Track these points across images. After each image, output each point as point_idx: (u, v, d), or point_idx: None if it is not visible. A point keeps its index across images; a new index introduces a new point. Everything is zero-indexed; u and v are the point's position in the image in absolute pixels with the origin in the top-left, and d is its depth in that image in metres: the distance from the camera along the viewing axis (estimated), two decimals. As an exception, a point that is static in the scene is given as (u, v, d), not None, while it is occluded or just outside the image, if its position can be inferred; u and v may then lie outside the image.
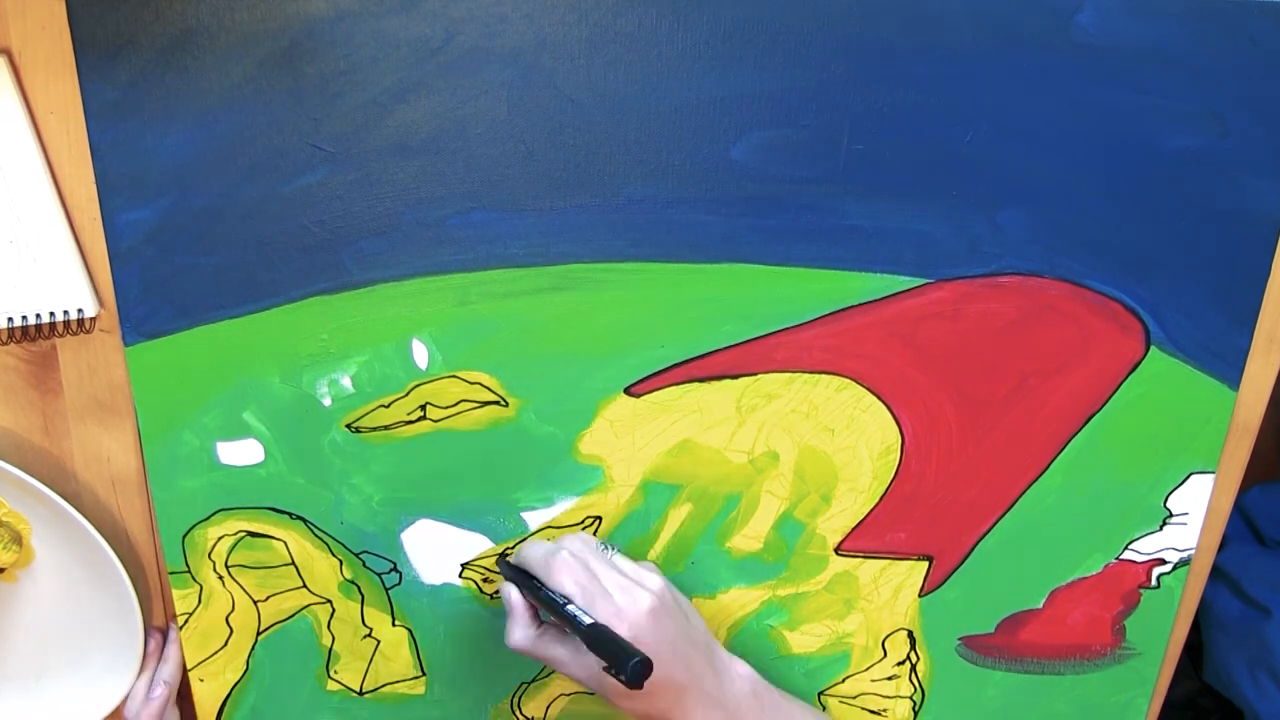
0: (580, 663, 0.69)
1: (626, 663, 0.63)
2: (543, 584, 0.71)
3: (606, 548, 0.74)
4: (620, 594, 0.69)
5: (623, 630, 0.67)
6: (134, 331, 0.71)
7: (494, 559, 0.80)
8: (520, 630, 0.72)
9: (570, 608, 0.68)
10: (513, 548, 0.79)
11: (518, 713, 0.86)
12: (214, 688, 0.82)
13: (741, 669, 0.73)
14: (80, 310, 0.69)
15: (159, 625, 0.81)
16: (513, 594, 0.73)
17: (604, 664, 0.65)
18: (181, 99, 0.65)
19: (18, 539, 0.73)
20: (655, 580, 0.71)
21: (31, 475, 0.70)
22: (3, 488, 0.71)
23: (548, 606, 0.70)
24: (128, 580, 0.74)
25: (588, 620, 0.66)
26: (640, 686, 0.63)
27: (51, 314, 0.68)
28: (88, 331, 0.71)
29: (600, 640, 0.65)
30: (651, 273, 0.72)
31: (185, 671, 0.80)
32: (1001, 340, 0.75)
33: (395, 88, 0.66)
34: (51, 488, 0.71)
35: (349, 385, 0.74)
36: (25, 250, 0.67)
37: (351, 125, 0.67)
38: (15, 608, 0.76)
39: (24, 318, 0.68)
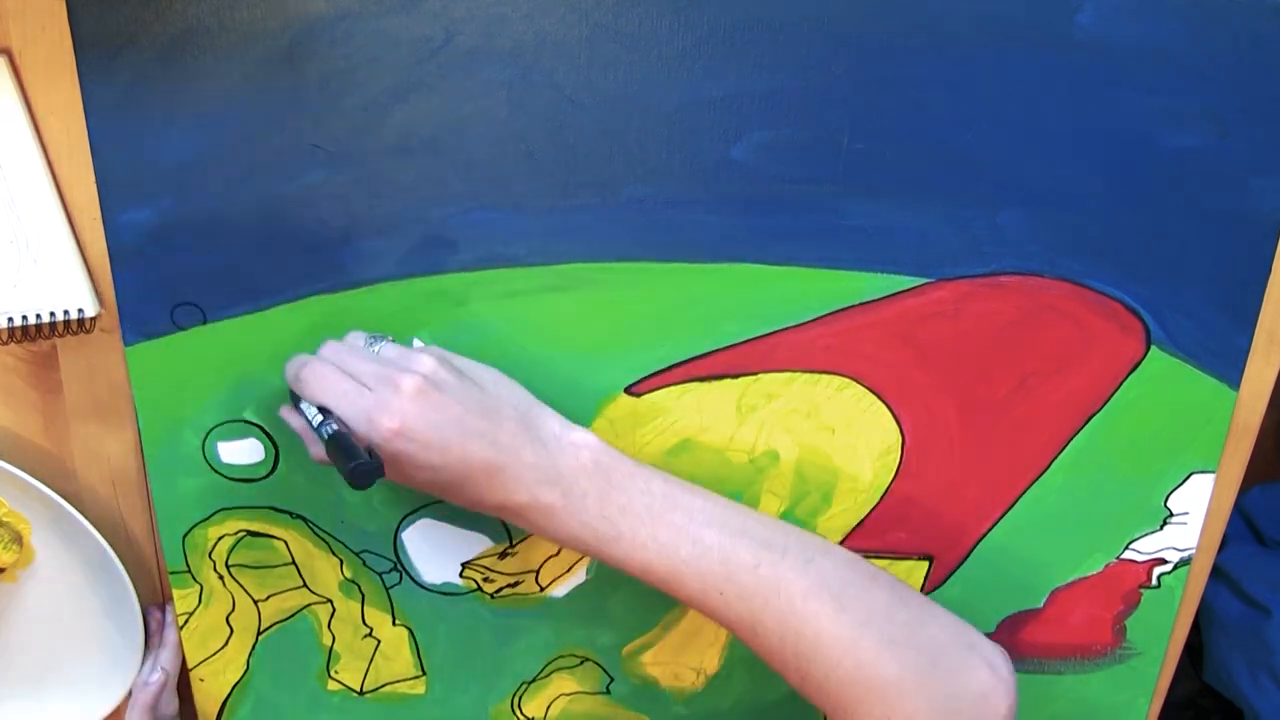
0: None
1: (349, 461, 0.59)
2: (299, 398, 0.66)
3: (374, 340, 0.67)
4: (380, 385, 0.62)
5: (386, 419, 0.61)
6: (134, 331, 0.71)
7: (495, 557, 0.80)
8: (314, 448, 0.67)
9: (318, 419, 0.63)
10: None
11: (518, 712, 0.86)
12: (214, 687, 0.82)
13: (580, 438, 0.65)
14: (80, 310, 0.69)
15: (156, 603, 0.80)
16: (290, 417, 0.68)
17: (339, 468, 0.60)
18: (182, 98, 0.65)
19: (18, 539, 0.73)
20: (425, 360, 0.64)
21: (31, 475, 0.70)
22: (3, 488, 0.71)
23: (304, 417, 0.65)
24: (128, 580, 0.74)
25: (330, 430, 0.61)
26: (364, 487, 0.59)
27: (51, 314, 0.68)
28: (88, 331, 0.71)
29: (335, 449, 0.60)
30: (651, 272, 0.72)
31: (186, 669, 0.81)
32: (1002, 340, 0.75)
33: (395, 87, 0.66)
34: (51, 488, 0.71)
35: (349, 385, 0.74)
36: (25, 250, 0.67)
37: (352, 125, 0.67)
38: (16, 607, 0.76)
39: (24, 318, 0.68)
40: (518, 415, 0.65)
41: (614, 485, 0.64)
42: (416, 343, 0.72)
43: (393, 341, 0.68)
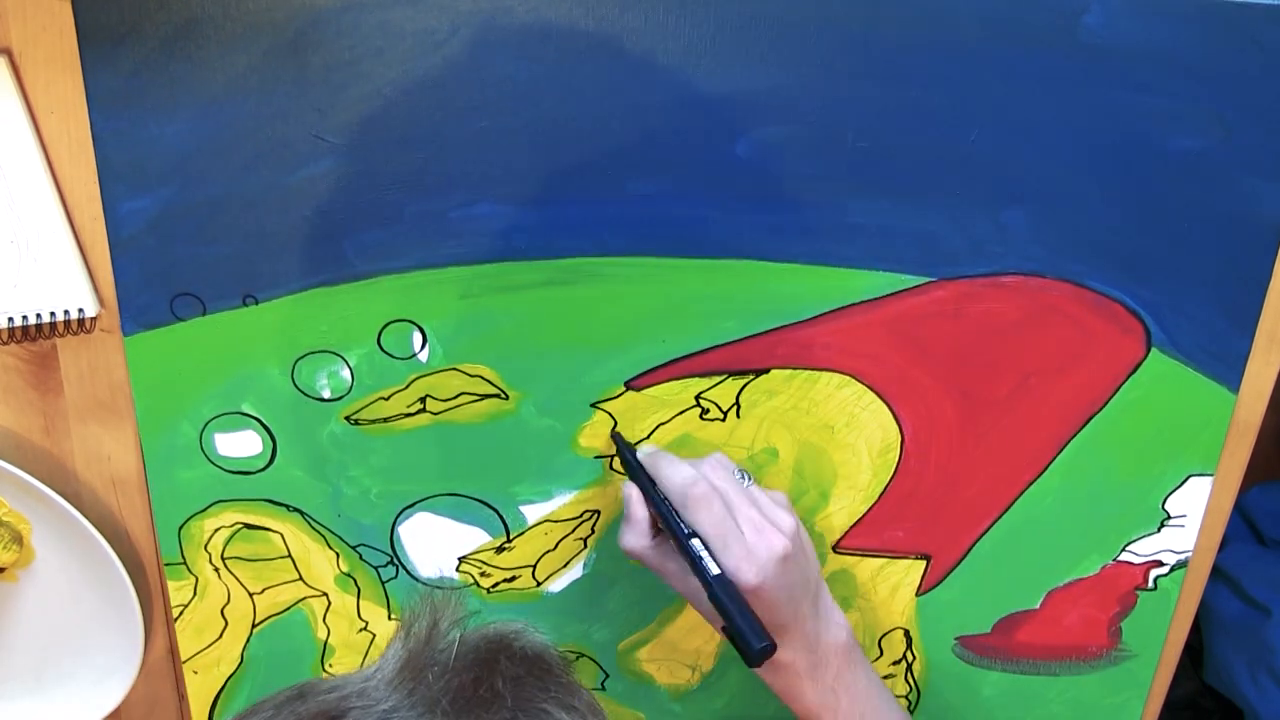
0: (688, 584, 0.68)
1: (752, 645, 0.62)
2: (673, 508, 0.69)
3: (743, 476, 0.72)
4: (753, 534, 0.66)
5: (750, 575, 0.65)
6: (133, 322, 0.70)
7: (491, 551, 0.80)
8: (635, 537, 0.70)
9: (696, 545, 0.66)
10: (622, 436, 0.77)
11: (513, 708, 0.86)
12: (208, 680, 0.82)
13: (839, 619, 0.72)
14: (80, 310, 0.69)
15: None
16: (634, 499, 0.71)
17: (722, 624, 0.64)
18: (185, 88, 0.65)
19: (18, 539, 0.73)
20: (788, 521, 0.68)
21: (32, 475, 0.70)
22: (3, 488, 0.71)
23: (671, 531, 0.68)
24: (128, 580, 0.73)
25: (714, 570, 0.65)
26: (758, 666, 0.63)
27: (52, 314, 0.68)
28: (88, 331, 0.70)
29: (726, 602, 0.64)
30: (653, 267, 0.72)
31: (180, 661, 0.80)
32: (1002, 340, 0.75)
33: (400, 79, 0.66)
34: (52, 488, 0.70)
35: (348, 377, 0.74)
36: (25, 250, 0.66)
37: (355, 116, 0.67)
38: (15, 608, 0.76)
39: (24, 318, 0.67)
40: (814, 587, 0.71)
41: (853, 666, 0.72)
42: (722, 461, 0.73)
43: (753, 480, 0.73)
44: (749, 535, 0.67)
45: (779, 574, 0.66)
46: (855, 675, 0.72)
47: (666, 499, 0.70)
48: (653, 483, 0.71)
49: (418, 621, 0.55)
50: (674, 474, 0.70)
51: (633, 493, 0.71)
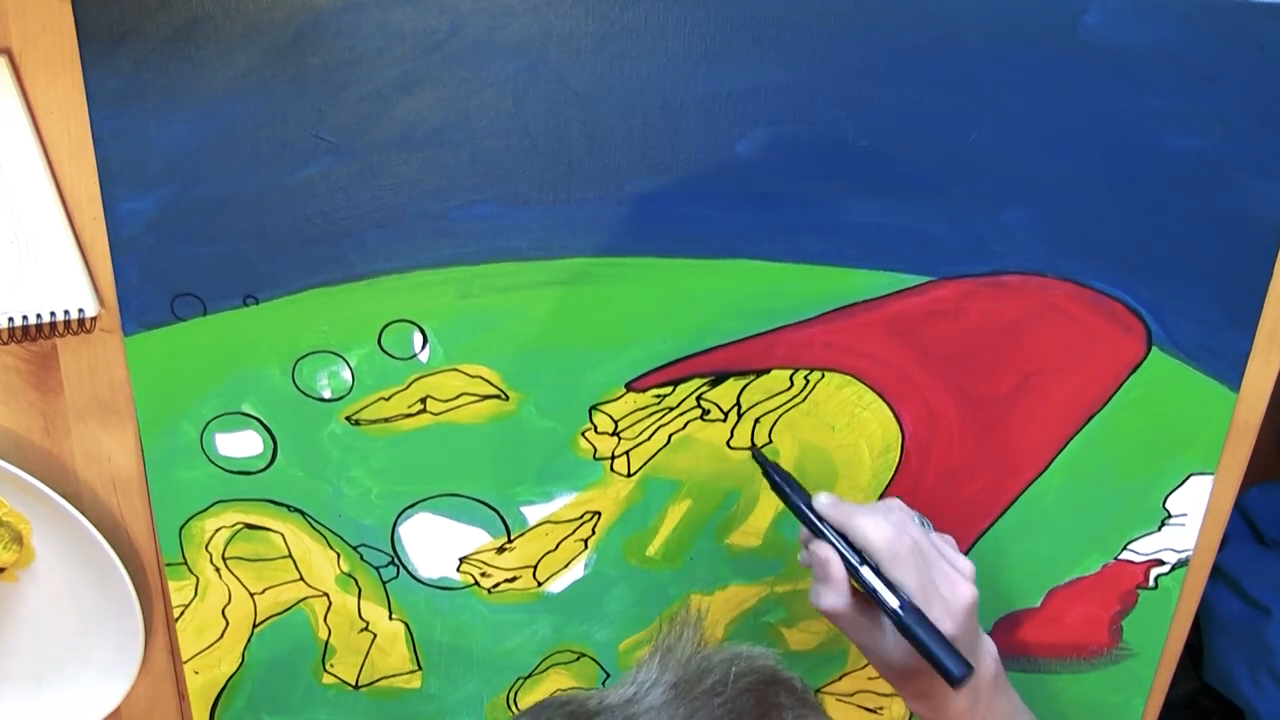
0: (884, 644, 0.67)
1: (959, 670, 0.62)
2: (875, 565, 0.66)
3: (923, 522, 0.70)
4: (947, 586, 0.66)
5: (947, 627, 0.64)
6: (134, 321, 0.70)
7: (492, 552, 0.80)
8: (836, 597, 0.67)
9: (892, 598, 0.64)
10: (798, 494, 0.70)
11: (514, 707, 0.86)
12: (209, 680, 0.82)
13: (991, 647, 0.70)
14: (81, 310, 0.69)
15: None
16: (833, 561, 0.67)
17: (922, 659, 0.63)
18: (185, 88, 0.65)
19: (18, 539, 0.72)
20: (968, 566, 0.67)
21: (32, 475, 0.70)
22: (3, 488, 0.71)
23: (866, 586, 0.66)
24: (128, 580, 0.73)
25: (919, 625, 0.64)
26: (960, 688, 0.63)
27: (52, 314, 0.68)
28: (88, 331, 0.70)
29: (929, 643, 0.63)
30: (654, 268, 0.72)
31: (179, 663, 0.80)
32: (1003, 339, 0.75)
33: (400, 79, 0.66)
34: (52, 488, 0.70)
35: (349, 377, 0.74)
36: (25, 250, 0.66)
37: (356, 116, 0.67)
38: (15, 608, 0.76)
39: (24, 318, 0.67)
40: (977, 625, 0.68)
41: (1000, 691, 0.70)
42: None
43: (929, 526, 0.71)
44: (943, 587, 0.65)
45: (967, 620, 0.65)
46: (1000, 700, 0.70)
47: (862, 555, 0.67)
48: (841, 536, 0.68)
49: (680, 645, 0.55)
50: (875, 531, 0.67)
51: (829, 554, 0.68)
